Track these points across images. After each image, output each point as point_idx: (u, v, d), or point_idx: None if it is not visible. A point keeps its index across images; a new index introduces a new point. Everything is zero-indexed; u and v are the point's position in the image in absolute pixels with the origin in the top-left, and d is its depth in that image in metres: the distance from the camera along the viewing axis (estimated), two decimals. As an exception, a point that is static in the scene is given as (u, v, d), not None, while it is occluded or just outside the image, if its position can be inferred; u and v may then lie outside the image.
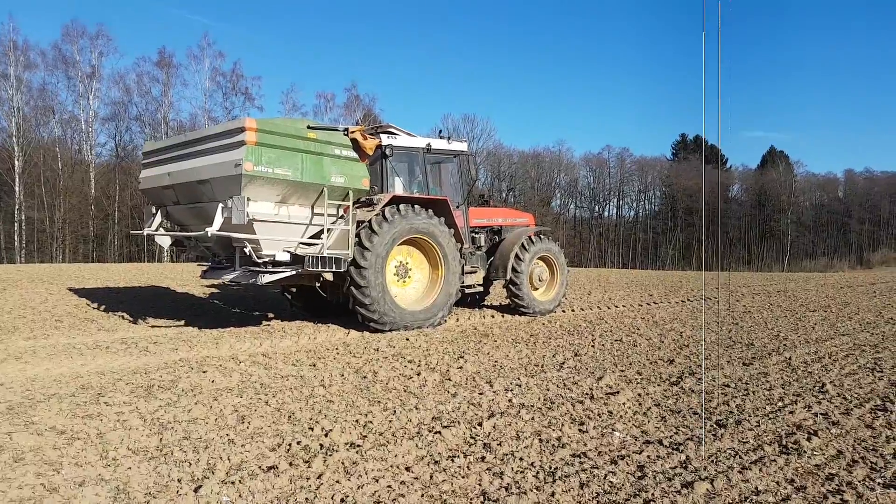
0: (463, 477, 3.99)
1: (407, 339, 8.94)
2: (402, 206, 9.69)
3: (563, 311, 12.86)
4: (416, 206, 9.89)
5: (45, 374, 6.68)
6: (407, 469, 4.12)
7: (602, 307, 14.03)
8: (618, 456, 4.41)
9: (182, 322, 10.48)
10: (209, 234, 7.98)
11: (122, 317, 10.91)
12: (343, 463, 4.19)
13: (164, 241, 10.04)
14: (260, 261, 8.61)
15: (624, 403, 5.81)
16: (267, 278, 8.66)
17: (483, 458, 4.32)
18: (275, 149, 8.07)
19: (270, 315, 11.49)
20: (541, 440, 4.73)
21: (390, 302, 9.57)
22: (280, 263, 8.81)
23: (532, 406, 5.64)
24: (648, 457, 4.42)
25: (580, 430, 4.99)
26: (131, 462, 4.17)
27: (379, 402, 5.73)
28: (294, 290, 10.87)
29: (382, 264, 9.43)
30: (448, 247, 10.25)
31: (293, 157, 8.27)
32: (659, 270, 55.52)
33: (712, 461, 4.32)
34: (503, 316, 11.96)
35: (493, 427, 5.00)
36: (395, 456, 4.33)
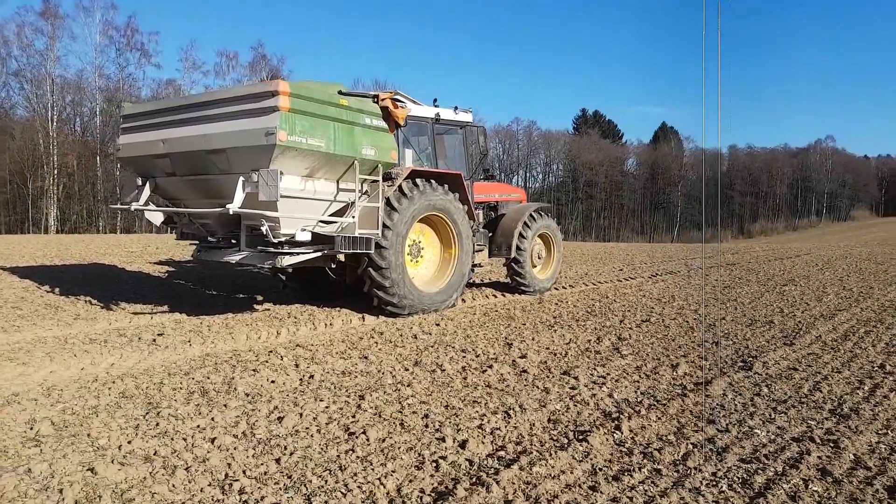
0: (664, 496, 3.54)
1: (437, 325, 8.34)
2: (419, 181, 9.00)
3: (557, 289, 12.58)
4: (432, 182, 9.22)
5: (57, 379, 5.68)
6: (592, 489, 3.62)
7: (586, 283, 13.87)
8: (791, 459, 4.08)
9: (165, 308, 9.41)
10: (231, 212, 7.03)
11: (90, 302, 9.69)
12: (514, 483, 3.65)
13: (156, 217, 8.90)
14: (276, 240, 7.74)
15: (725, 395, 5.53)
16: (288, 260, 7.79)
17: (658, 471, 3.89)
18: (308, 116, 7.18)
19: (260, 297, 10.55)
20: (695, 445, 4.35)
21: (409, 284, 8.92)
22: (298, 243, 7.96)
23: (641, 402, 5.26)
24: (819, 458, 4.12)
25: (722, 431, 4.64)
26: (267, 493, 3.46)
27: (476, 401, 5.17)
28: (290, 270, 9.96)
29: (402, 244, 8.75)
30: (462, 224, 9.66)
31: (326, 127, 7.41)
32: (567, 241, 57.16)
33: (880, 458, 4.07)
34: (504, 295, 11.53)
35: (633, 430, 4.57)
36: (563, 472, 3.82)
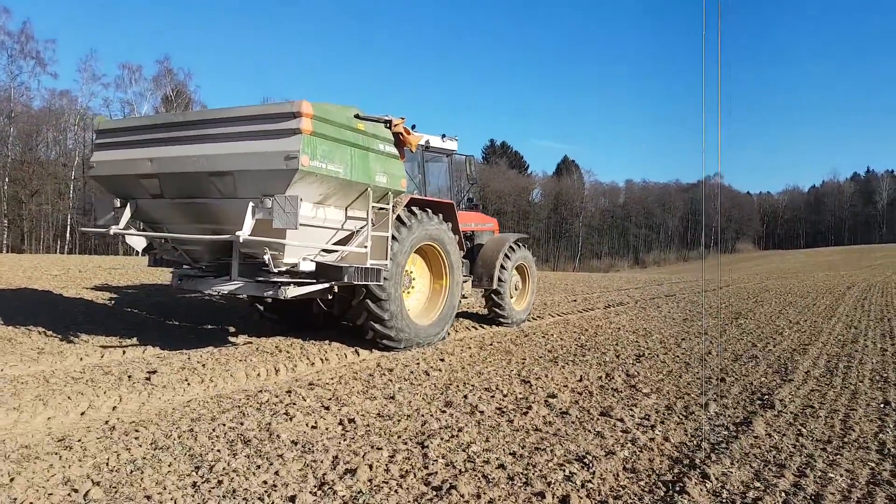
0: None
1: (441, 360, 8.02)
2: (417, 211, 8.71)
3: (528, 321, 12.50)
4: (428, 211, 8.95)
5: (63, 427, 5.02)
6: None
7: (552, 315, 13.86)
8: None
9: (134, 340, 8.62)
10: (241, 240, 6.49)
11: (45, 333, 8.76)
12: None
13: (138, 242, 8.14)
14: (276, 270, 7.23)
15: (770, 436, 5.52)
16: (293, 292, 7.29)
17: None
18: (328, 140, 6.76)
19: (232, 329, 9.87)
20: (788, 493, 4.26)
21: (406, 317, 8.56)
22: (298, 273, 7.47)
23: (700, 446, 5.16)
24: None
25: (798, 476, 4.59)
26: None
27: (538, 448, 4.91)
28: (270, 300, 9.34)
29: (401, 274, 8.40)
30: (455, 255, 9.42)
31: (344, 152, 7.00)
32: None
33: None
34: (482, 327, 11.32)
35: (719, 478, 4.44)
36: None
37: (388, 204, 7.83)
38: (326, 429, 5.13)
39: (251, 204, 6.63)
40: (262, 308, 9.50)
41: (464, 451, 4.74)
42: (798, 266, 66.69)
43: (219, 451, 4.52)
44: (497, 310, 11.20)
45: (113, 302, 12.47)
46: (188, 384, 6.44)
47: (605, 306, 16.30)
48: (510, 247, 11.22)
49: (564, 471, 4.45)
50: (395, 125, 7.83)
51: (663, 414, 6.06)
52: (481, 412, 5.81)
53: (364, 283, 7.50)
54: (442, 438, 4.98)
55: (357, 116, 7.36)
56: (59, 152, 59.53)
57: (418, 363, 7.74)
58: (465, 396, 6.31)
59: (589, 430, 5.42)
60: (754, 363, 8.81)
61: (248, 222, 6.59)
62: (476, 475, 4.28)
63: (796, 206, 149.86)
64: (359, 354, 8.40)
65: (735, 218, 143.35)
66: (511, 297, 11.58)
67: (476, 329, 11.13)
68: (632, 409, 6.14)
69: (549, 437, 5.23)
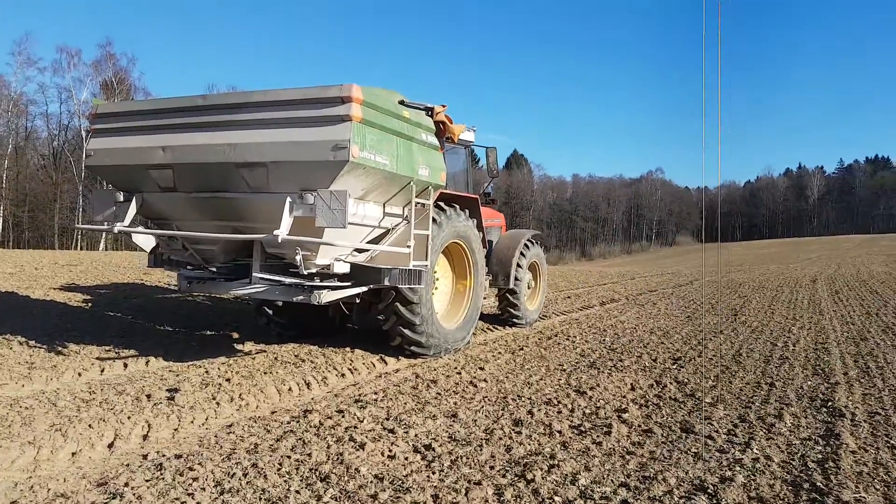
0: None
1: (481, 369, 7.43)
2: (445, 207, 8.07)
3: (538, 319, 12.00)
4: (456, 207, 8.33)
5: (97, 466, 4.27)
6: None
7: (556, 314, 13.40)
8: None
9: (133, 351, 7.77)
10: (279, 240, 5.74)
11: (28, 343, 7.84)
12: None
13: (146, 241, 7.26)
14: (306, 272, 6.50)
15: (864, 450, 5.14)
16: (329, 297, 6.57)
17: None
18: (376, 129, 6.06)
19: (235, 335, 9.06)
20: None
21: (436, 321, 7.93)
22: (329, 276, 6.75)
23: (806, 465, 4.73)
24: None
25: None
26: None
27: (646, 476, 4.40)
28: (280, 303, 8.56)
29: (431, 275, 7.77)
30: (479, 253, 8.83)
31: (390, 142, 6.31)
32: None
33: None
34: (495, 329, 10.76)
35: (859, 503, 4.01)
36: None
37: (428, 199, 7.18)
38: (405, 458, 4.50)
39: (289, 199, 5.89)
40: (270, 312, 8.70)
41: (572, 483, 4.19)
42: (741, 258, 68.28)
43: (298, 492, 3.85)
44: (512, 310, 10.66)
45: (90, 304, 11.44)
46: (217, 404, 5.70)
47: (600, 303, 15.97)
48: (525, 244, 10.68)
49: (694, 501, 3.95)
50: (437, 113, 7.17)
51: (744, 428, 5.63)
52: (559, 432, 5.26)
53: (409, 285, 6.84)
54: (540, 469, 4.40)
55: (402, 103, 6.68)
56: (-10, 140, 56.35)
57: (459, 373, 7.14)
58: (531, 413, 5.75)
59: (684, 451, 4.94)
60: (788, 365, 8.51)
61: (286, 220, 5.85)
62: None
63: (733, 201, 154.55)
64: (386, 363, 7.75)
65: (675, 212, 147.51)
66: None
67: (491, 331, 10.56)
68: (710, 424, 5.69)
69: (648, 461, 4.72)
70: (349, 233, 6.40)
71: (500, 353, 8.50)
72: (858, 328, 12.08)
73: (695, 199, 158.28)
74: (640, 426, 5.53)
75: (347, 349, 8.18)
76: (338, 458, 4.40)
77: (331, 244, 6.12)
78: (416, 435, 5.00)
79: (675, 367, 8.06)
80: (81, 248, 52.40)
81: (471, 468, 4.37)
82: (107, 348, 7.84)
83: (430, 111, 7.15)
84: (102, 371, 6.84)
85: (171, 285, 15.17)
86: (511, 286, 10.34)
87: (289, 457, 4.41)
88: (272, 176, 5.98)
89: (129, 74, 58.29)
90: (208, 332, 9.24)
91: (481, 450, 4.75)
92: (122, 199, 6.85)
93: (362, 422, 5.28)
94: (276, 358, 7.60)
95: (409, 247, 6.83)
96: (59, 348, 7.61)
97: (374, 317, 9.43)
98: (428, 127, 7.14)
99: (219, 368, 6.91)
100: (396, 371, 7.32)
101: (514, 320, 10.75)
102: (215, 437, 4.88)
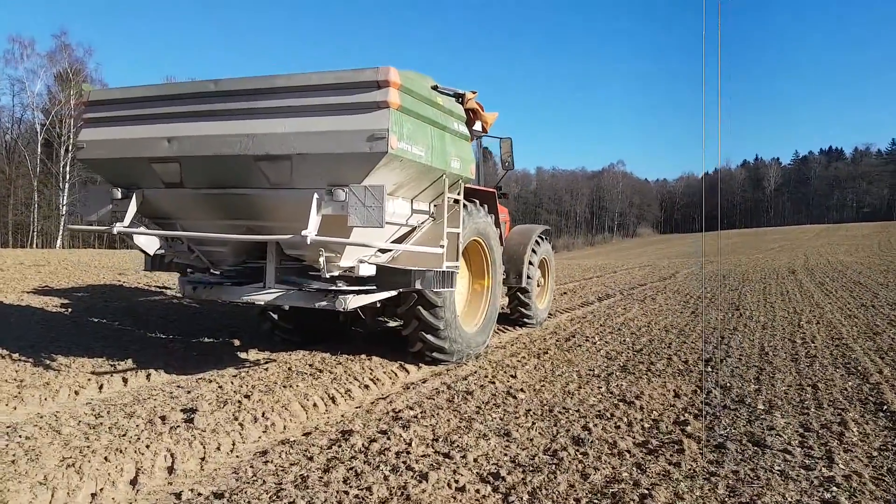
0: None
1: (513, 377, 6.92)
2: (466, 201, 7.52)
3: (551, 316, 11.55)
4: (476, 202, 7.79)
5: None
6: None
7: (560, 311, 12.98)
8: None
9: (130, 363, 7.08)
10: (308, 241, 5.13)
11: (12, 357, 7.11)
12: None
13: (149, 243, 6.54)
14: (328, 275, 5.91)
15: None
16: (356, 302, 5.98)
17: None
18: (412, 117, 5.47)
19: (237, 342, 8.40)
20: None
21: (459, 325, 7.40)
22: (350, 279, 6.17)
23: (910, 484, 4.36)
24: None
25: None
26: None
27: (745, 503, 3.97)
28: (286, 308, 7.91)
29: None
30: (497, 251, 8.31)
31: (424, 131, 5.71)
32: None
33: None
34: (505, 330, 10.26)
35: None
36: None
37: (458, 193, 6.62)
38: (476, 491, 3.97)
39: (316, 196, 5.27)
40: (275, 317, 8.05)
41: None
42: (707, 249, 69.09)
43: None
44: (523, 309, 10.17)
45: (69, 310, 10.60)
46: (241, 426, 5.09)
47: (597, 299, 15.62)
48: (536, 240, 10.20)
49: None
50: (468, 100, 6.61)
51: (814, 439, 5.25)
52: (628, 452, 4.79)
53: (443, 289, 6.28)
54: (632, 500, 3.92)
55: (434, 88, 6.10)
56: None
57: (492, 382, 6.62)
58: (587, 429, 5.26)
59: (770, 471, 4.51)
60: (819, 364, 8.21)
61: (314, 219, 5.24)
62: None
63: (692, 193, 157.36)
64: (408, 371, 7.20)
65: (636, 204, 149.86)
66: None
67: (503, 332, 10.05)
68: (778, 435, 5.29)
69: (736, 484, 4.27)
70: (377, 232, 5.81)
71: (524, 357, 8.00)
72: (864, 321, 11.92)
73: (654, 191, 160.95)
74: (708, 441, 5.10)
75: (363, 356, 7.59)
76: (402, 493, 3.85)
77: (367, 245, 5.54)
78: (475, 460, 4.47)
79: (708, 369, 7.68)
80: (37, 246, 50.50)
81: (554, 502, 3.86)
82: (99, 360, 7.14)
83: (460, 98, 6.60)
84: (101, 388, 6.16)
85: (150, 286, 14.34)
86: (523, 285, 9.85)
87: (346, 492, 3.84)
88: (297, 170, 5.36)
89: (85, 65, 56.28)
90: (206, 339, 8.55)
91: (555, 477, 4.24)
92: (119, 196, 6.15)
93: (410, 444, 4.73)
94: (289, 368, 6.98)
95: (441, 246, 6.26)
96: (48, 362, 6.88)
97: (377, 320, 8.87)
98: (459, 115, 6.59)
99: (232, 382, 6.27)
100: (424, 381, 6.76)
101: (525, 320, 10.28)
102: (251, 467, 4.28)
